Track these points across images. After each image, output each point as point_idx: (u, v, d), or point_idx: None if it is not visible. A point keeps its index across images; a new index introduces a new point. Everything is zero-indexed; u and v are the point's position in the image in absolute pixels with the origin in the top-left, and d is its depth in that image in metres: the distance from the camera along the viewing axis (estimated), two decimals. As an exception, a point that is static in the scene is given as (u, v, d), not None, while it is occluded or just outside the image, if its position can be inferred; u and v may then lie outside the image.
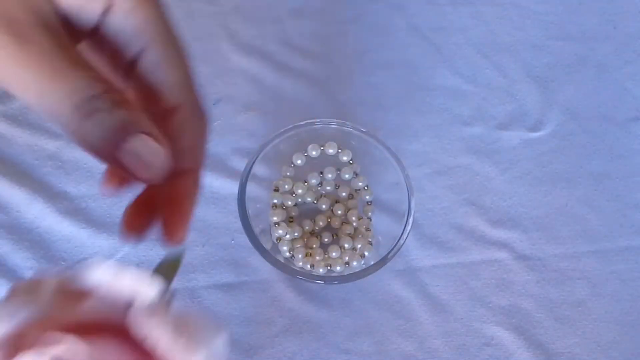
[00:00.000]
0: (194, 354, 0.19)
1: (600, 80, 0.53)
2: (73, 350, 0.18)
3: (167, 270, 0.26)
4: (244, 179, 0.41)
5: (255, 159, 0.42)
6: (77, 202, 0.45)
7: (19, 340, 0.18)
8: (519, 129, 0.50)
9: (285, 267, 0.39)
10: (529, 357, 0.44)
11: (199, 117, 0.27)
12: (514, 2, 0.55)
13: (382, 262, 0.40)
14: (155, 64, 0.24)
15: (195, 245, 0.45)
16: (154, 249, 0.45)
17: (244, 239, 0.45)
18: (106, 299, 0.19)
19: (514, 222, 0.47)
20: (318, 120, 0.43)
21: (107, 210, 0.45)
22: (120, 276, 0.19)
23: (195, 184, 0.27)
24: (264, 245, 0.40)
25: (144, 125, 0.20)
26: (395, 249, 0.40)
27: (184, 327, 0.19)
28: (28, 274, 0.43)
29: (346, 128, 0.44)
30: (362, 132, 0.43)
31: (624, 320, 0.45)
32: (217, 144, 0.48)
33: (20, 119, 0.47)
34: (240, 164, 0.47)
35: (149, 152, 0.21)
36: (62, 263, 0.44)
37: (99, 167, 0.46)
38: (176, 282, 0.44)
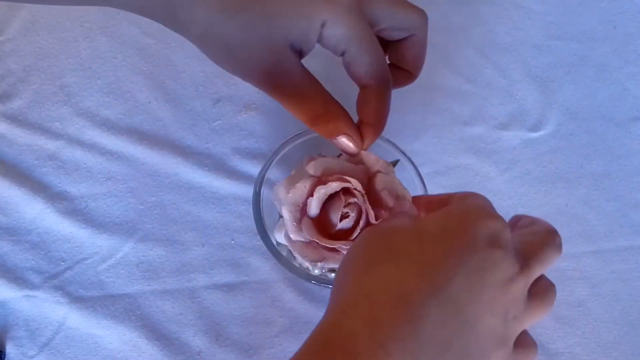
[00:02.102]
0: (406, 202, 0.36)
1: (600, 80, 0.53)
2: (355, 185, 0.36)
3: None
4: (258, 187, 0.40)
5: (269, 166, 0.41)
6: (77, 202, 0.45)
7: (325, 178, 0.36)
8: (519, 129, 0.50)
9: (302, 273, 0.38)
10: (529, 357, 0.44)
11: (387, 88, 0.37)
12: (514, 2, 0.55)
13: None
14: (355, 55, 0.35)
15: (195, 245, 0.45)
16: (154, 249, 0.45)
17: (244, 239, 0.45)
18: (368, 167, 0.38)
19: (514, 222, 0.47)
20: None
21: (107, 210, 0.45)
22: (377, 160, 0.38)
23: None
24: (281, 252, 0.39)
25: (346, 130, 0.36)
26: None
27: (400, 190, 0.37)
28: (28, 274, 0.43)
29: None
30: (412, 163, 0.43)
31: (624, 320, 0.45)
32: (217, 144, 0.48)
33: (20, 119, 0.47)
34: (240, 163, 0.47)
35: (347, 145, 0.36)
36: (62, 263, 0.44)
37: (99, 167, 0.46)
38: (176, 282, 0.45)
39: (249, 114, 0.49)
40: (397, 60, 0.39)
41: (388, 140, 0.42)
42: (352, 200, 0.36)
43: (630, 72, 0.53)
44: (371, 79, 0.36)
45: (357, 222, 0.36)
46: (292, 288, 0.44)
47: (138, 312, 0.43)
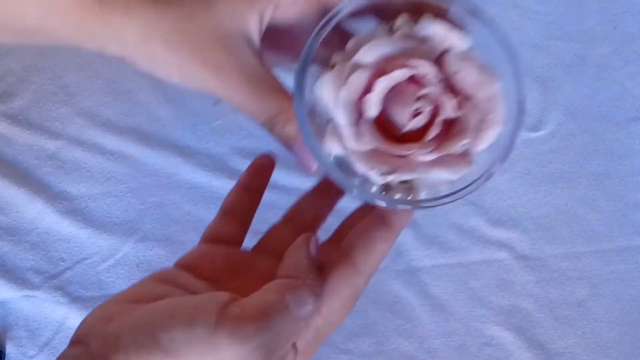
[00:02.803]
0: (494, 83, 0.29)
1: (600, 80, 0.53)
2: (428, 70, 0.28)
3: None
4: (307, 59, 0.29)
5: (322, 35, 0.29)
6: (77, 202, 0.45)
7: (383, 66, 0.28)
8: (519, 129, 0.50)
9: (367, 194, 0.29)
10: (529, 357, 0.44)
11: None
12: (514, 2, 0.55)
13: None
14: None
15: (195, 245, 0.45)
16: (153, 249, 0.45)
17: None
18: (434, 45, 0.29)
19: (514, 222, 0.47)
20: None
21: (107, 210, 0.45)
22: (449, 30, 0.29)
23: None
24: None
25: (297, 140, 0.30)
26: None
27: (484, 68, 0.29)
28: (28, 274, 0.43)
29: None
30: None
31: (624, 320, 0.45)
32: (217, 143, 0.48)
33: (20, 119, 0.47)
34: (240, 163, 0.47)
35: (306, 158, 0.30)
36: (62, 263, 0.44)
37: (99, 167, 0.46)
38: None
39: (249, 114, 0.49)
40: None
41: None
42: (422, 91, 0.28)
43: (630, 72, 0.53)
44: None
45: (432, 119, 0.28)
46: (292, 288, 0.44)
47: (138, 312, 0.43)
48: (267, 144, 0.49)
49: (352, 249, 0.29)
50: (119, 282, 0.44)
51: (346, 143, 0.28)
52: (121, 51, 0.32)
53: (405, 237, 0.46)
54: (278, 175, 0.41)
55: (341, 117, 0.28)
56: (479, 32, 0.32)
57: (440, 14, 0.30)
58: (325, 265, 0.29)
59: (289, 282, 0.27)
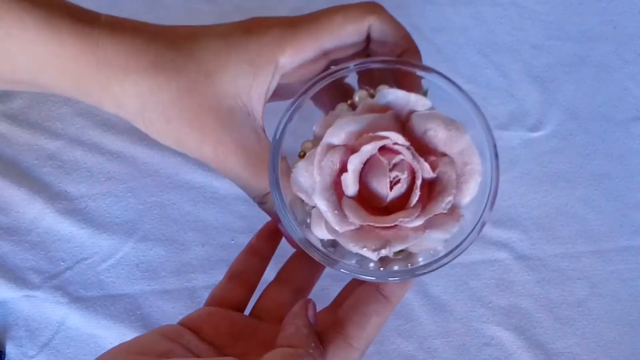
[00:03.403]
0: (463, 134, 0.29)
1: (600, 80, 0.53)
2: (395, 138, 0.28)
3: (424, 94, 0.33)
4: (278, 134, 0.31)
5: (292, 111, 0.32)
6: (77, 202, 0.45)
7: (353, 144, 0.28)
8: (519, 129, 0.50)
9: (346, 265, 0.30)
10: (529, 357, 0.44)
11: (417, 52, 0.33)
12: (514, 2, 0.55)
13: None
14: (384, 31, 0.32)
15: (195, 245, 0.45)
16: (153, 249, 0.45)
17: (244, 238, 0.45)
18: (398, 110, 0.29)
19: (514, 222, 0.47)
20: (362, 62, 0.32)
21: (107, 210, 0.45)
22: (407, 95, 0.29)
23: None
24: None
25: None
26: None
27: (451, 122, 0.29)
28: (28, 274, 0.43)
29: None
30: (444, 78, 0.33)
31: (624, 320, 0.45)
32: (217, 144, 0.48)
33: (20, 119, 0.47)
34: (240, 164, 0.47)
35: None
36: (62, 263, 0.44)
37: (99, 167, 0.46)
38: (176, 282, 0.45)
39: (249, 114, 0.49)
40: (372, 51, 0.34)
41: (404, 62, 0.32)
42: (395, 159, 0.28)
43: (630, 72, 0.53)
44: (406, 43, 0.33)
45: (411, 184, 0.28)
46: (292, 288, 0.44)
47: (138, 312, 0.43)
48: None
49: (346, 323, 0.29)
50: (119, 282, 0.44)
51: (334, 226, 0.28)
52: (118, 113, 0.32)
53: (405, 237, 0.46)
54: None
55: (321, 203, 0.28)
56: (436, 88, 0.32)
57: (408, 79, 0.31)
58: (322, 335, 0.29)
59: (293, 352, 0.27)
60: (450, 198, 0.28)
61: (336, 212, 0.28)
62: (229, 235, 0.45)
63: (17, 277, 0.43)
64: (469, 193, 0.29)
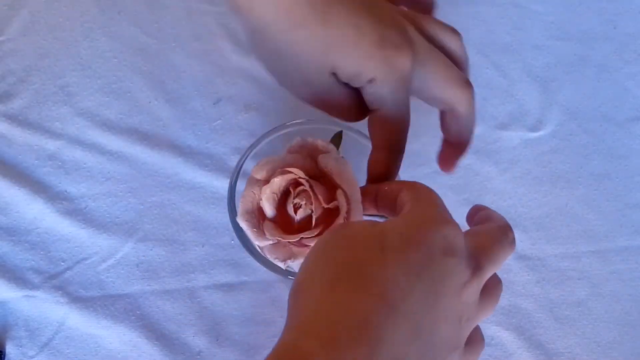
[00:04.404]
0: (346, 167, 0.37)
1: (600, 80, 0.53)
2: (297, 173, 0.35)
3: (336, 141, 0.41)
4: (234, 177, 0.40)
5: (246, 157, 0.41)
6: (77, 202, 0.45)
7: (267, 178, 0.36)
8: (519, 129, 0.50)
9: (277, 268, 0.38)
10: (529, 357, 0.44)
11: (394, 158, 0.36)
12: (514, 2, 0.55)
13: None
14: (379, 119, 0.35)
15: (195, 245, 0.45)
16: (153, 249, 0.45)
17: (244, 239, 0.45)
18: (308, 151, 0.38)
19: (514, 222, 0.47)
20: (307, 120, 0.42)
21: (107, 210, 0.45)
22: (315, 141, 0.38)
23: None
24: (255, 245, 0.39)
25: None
26: None
27: (339, 159, 0.37)
28: (28, 274, 0.43)
29: (337, 127, 0.43)
30: (358, 132, 0.42)
31: (624, 320, 0.45)
32: (217, 143, 0.48)
33: (20, 119, 0.47)
34: (240, 164, 0.47)
35: None
36: (62, 263, 0.44)
37: (99, 167, 0.46)
38: (176, 282, 0.45)
39: (249, 114, 0.49)
40: (443, 131, 0.39)
41: (328, 121, 0.41)
42: (299, 189, 0.36)
43: (630, 72, 0.53)
44: (383, 145, 0.35)
45: (308, 212, 0.36)
46: (292, 288, 0.44)
47: (138, 312, 0.43)
48: (267, 144, 0.49)
49: None
50: (119, 282, 0.44)
51: (255, 242, 0.37)
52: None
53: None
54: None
55: (242, 224, 0.37)
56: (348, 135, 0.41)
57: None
58: None
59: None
60: (341, 221, 0.35)
61: (255, 230, 0.36)
62: (229, 235, 0.45)
63: (17, 277, 0.43)
64: (357, 216, 0.35)
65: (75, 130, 0.47)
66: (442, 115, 0.37)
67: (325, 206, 0.36)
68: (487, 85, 0.52)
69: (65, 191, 0.46)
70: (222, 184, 0.46)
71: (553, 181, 0.49)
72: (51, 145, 0.47)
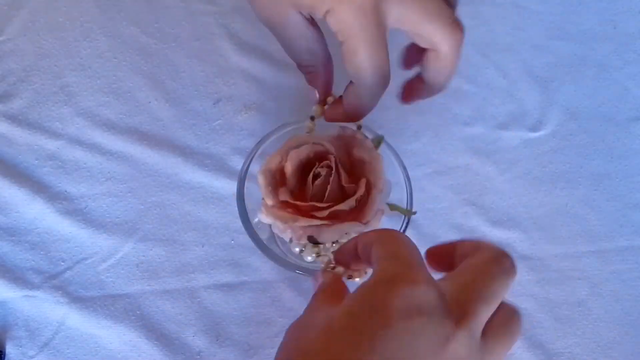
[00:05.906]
0: (378, 159, 0.39)
1: (600, 80, 0.53)
2: (328, 147, 0.38)
3: (375, 143, 0.40)
4: (243, 174, 0.40)
5: (254, 156, 0.41)
6: (77, 202, 0.45)
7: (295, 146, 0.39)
8: (519, 129, 0.50)
9: (288, 264, 0.38)
10: (529, 357, 0.44)
11: (371, 92, 0.35)
12: (514, 2, 0.55)
13: None
14: (348, 51, 0.34)
15: (195, 245, 0.45)
16: (153, 249, 0.45)
17: (243, 239, 0.45)
18: (344, 141, 0.40)
19: (514, 222, 0.47)
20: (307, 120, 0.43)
21: (107, 210, 0.45)
22: (358, 135, 0.40)
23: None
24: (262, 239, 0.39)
25: (319, 89, 0.39)
26: None
27: (373, 150, 0.39)
28: (28, 274, 0.43)
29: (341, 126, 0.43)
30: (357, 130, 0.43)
31: (624, 320, 0.45)
32: (217, 143, 0.48)
33: (20, 119, 0.47)
34: (240, 163, 0.47)
35: (314, 97, 0.39)
36: (62, 263, 0.44)
37: (99, 167, 0.46)
38: (176, 282, 0.45)
39: (249, 114, 0.49)
40: (422, 68, 0.37)
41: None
42: (323, 163, 0.38)
43: (630, 72, 0.53)
44: (357, 79, 0.34)
45: (325, 183, 0.36)
46: (292, 288, 0.44)
47: (138, 312, 0.43)
48: (269, 145, 0.49)
49: None
50: (119, 282, 0.44)
51: (266, 199, 0.37)
52: None
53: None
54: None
55: (262, 179, 0.37)
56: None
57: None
58: None
59: None
60: (352, 203, 0.37)
61: (269, 187, 0.37)
62: (229, 235, 0.45)
63: (17, 277, 0.43)
64: (376, 205, 0.37)
65: (75, 130, 0.47)
66: (426, 53, 0.35)
67: (343, 184, 0.37)
68: (487, 85, 0.52)
69: (65, 191, 0.46)
70: (222, 184, 0.46)
71: (553, 181, 0.49)
72: (51, 145, 0.47)
